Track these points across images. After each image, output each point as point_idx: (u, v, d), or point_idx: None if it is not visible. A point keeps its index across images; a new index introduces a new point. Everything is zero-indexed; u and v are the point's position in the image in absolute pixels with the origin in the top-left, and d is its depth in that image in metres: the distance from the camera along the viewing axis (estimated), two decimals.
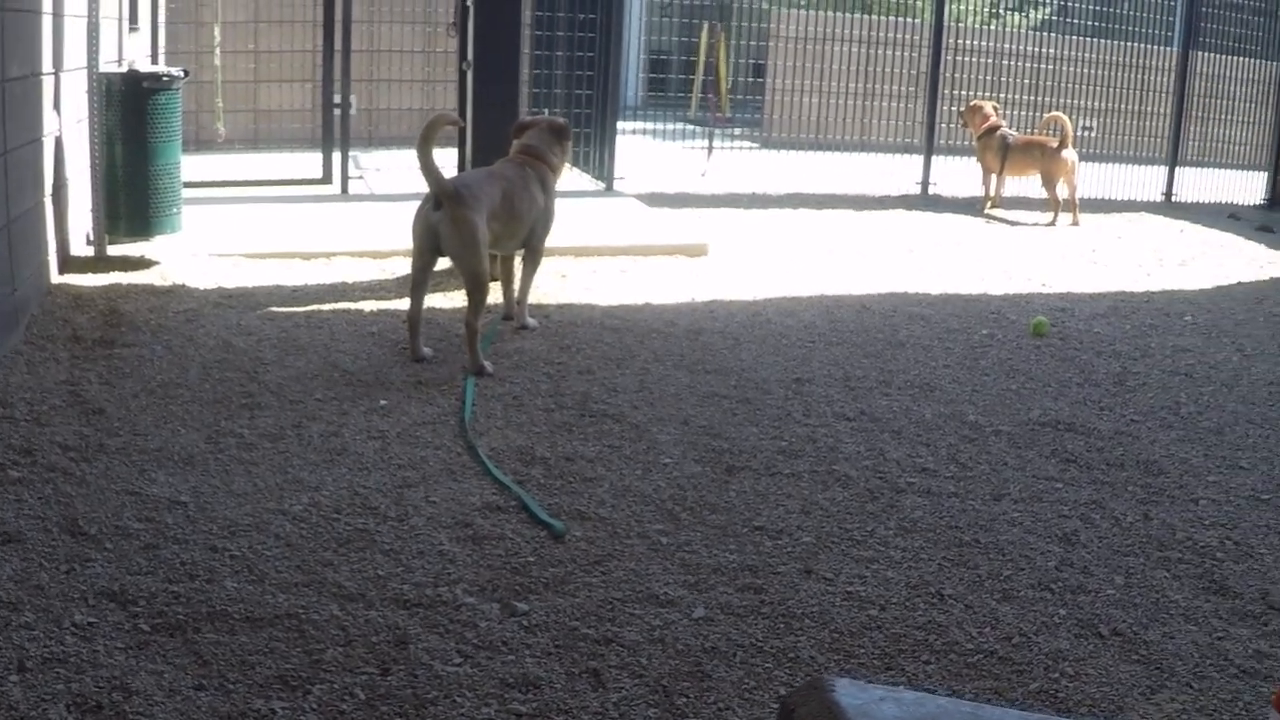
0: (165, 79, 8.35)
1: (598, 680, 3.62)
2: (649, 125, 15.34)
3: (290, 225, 9.35)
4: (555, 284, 8.29)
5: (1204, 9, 16.24)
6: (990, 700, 3.69)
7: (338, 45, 10.92)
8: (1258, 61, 17.17)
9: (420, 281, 6.57)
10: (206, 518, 4.47)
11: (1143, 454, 5.92)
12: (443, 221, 6.36)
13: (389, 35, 13.55)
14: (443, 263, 6.69)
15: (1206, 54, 16.58)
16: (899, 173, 14.00)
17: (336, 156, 11.06)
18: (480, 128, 8.49)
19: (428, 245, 6.48)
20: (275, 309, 7.29)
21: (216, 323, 6.91)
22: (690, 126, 16.34)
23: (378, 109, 13.71)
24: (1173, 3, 16.27)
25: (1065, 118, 12.99)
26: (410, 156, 6.75)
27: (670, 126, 15.33)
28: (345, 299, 7.60)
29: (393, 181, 11.25)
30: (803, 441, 5.67)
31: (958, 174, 14.08)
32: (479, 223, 6.43)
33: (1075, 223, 12.85)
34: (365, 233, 9.19)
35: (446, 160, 8.41)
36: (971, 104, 13.79)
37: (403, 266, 7.37)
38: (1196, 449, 6.08)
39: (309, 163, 11.36)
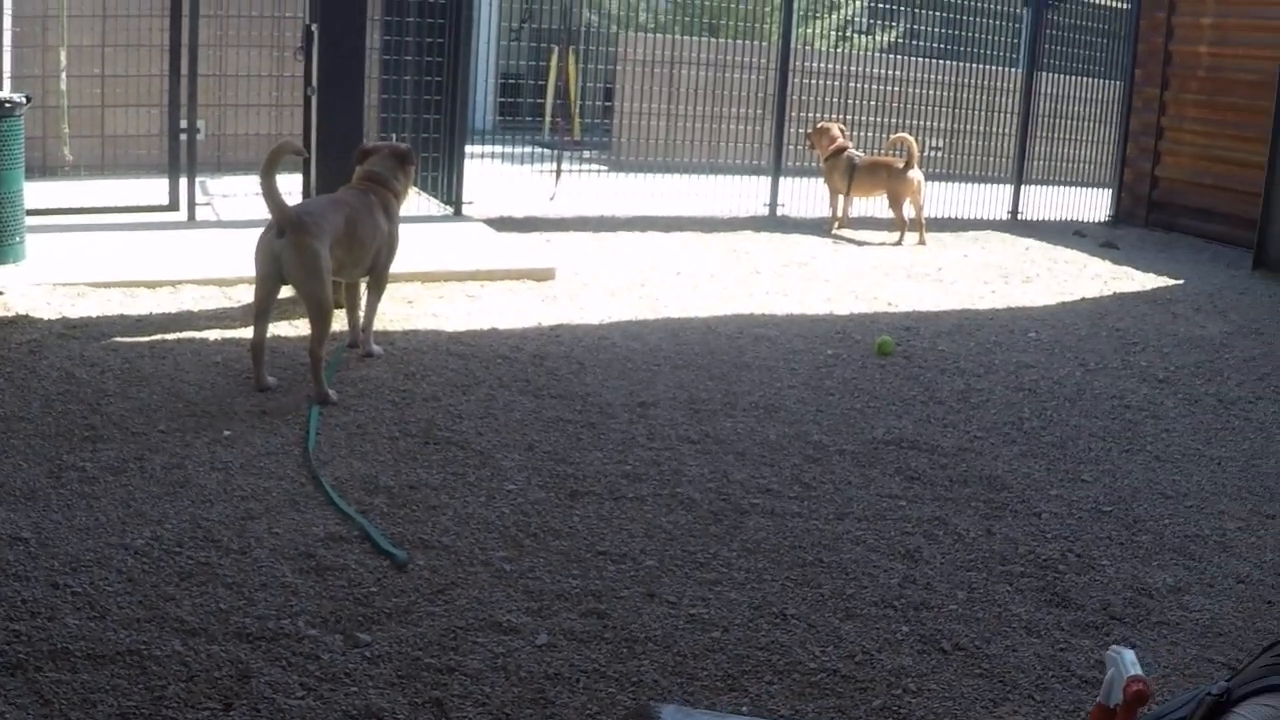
0: (7, 105, 8.23)
1: (441, 710, 3.62)
2: (500, 149, 15.30)
3: (136, 253, 9.21)
4: (402, 310, 8.26)
5: (1048, 31, 16.52)
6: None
7: (184, 70, 10.79)
8: (1101, 81, 17.48)
9: (264, 310, 6.51)
10: (48, 554, 4.41)
11: (986, 470, 6.02)
12: (286, 249, 6.32)
13: (237, 60, 13.41)
14: (287, 290, 6.64)
15: (1051, 75, 16.85)
16: (747, 194, 14.07)
17: (184, 183, 10.93)
18: (325, 154, 8.45)
19: (271, 273, 6.43)
20: (119, 339, 7.18)
21: (59, 354, 6.80)
22: (541, 150, 16.32)
23: (226, 134, 13.57)
24: (1018, 25, 16.51)
25: (911, 139, 13.14)
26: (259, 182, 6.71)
27: (521, 150, 15.31)
28: (190, 328, 7.52)
29: (241, 208, 11.13)
30: (647, 465, 5.70)
31: (806, 195, 14.18)
32: (322, 250, 6.40)
33: (922, 242, 13.01)
34: (211, 260, 9.08)
35: (293, 186, 8.38)
36: (818, 126, 13.90)
37: (249, 294, 7.31)
38: (1039, 463, 6.20)
39: (156, 189, 11.22)
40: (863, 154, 13.65)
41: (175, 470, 5.29)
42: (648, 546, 4.82)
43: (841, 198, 13.47)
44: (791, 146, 14.77)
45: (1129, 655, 2.23)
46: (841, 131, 13.64)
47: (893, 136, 13.90)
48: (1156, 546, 5.26)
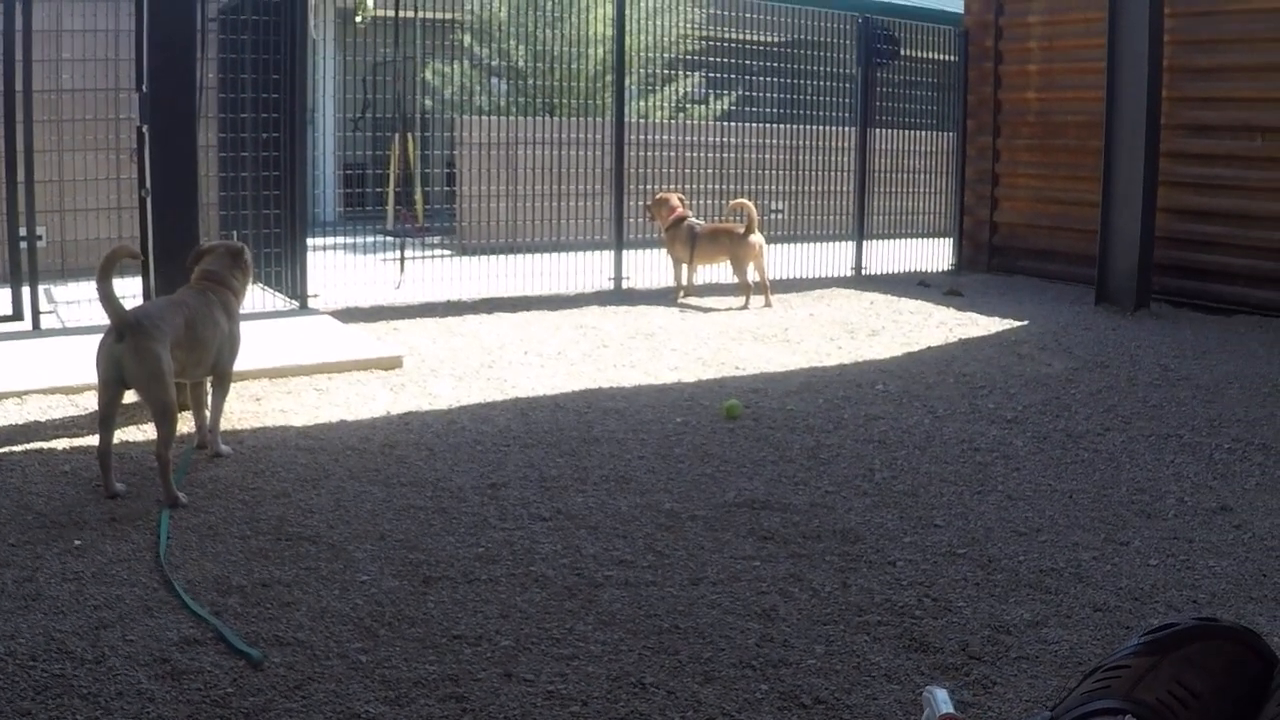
0: None
1: None
2: (345, 239, 15.24)
3: None
4: (249, 407, 8.17)
5: (879, 88, 16.76)
6: None
7: (21, 177, 10.65)
8: (935, 133, 17.77)
9: (108, 415, 6.39)
10: None
11: (839, 523, 6.03)
12: (126, 353, 6.23)
13: (74, 164, 13.25)
14: (132, 395, 6.54)
15: (885, 130, 17.10)
16: (592, 269, 14.12)
17: (27, 291, 10.77)
18: (163, 255, 8.34)
19: (113, 378, 6.33)
20: None
21: None
22: (386, 238, 16.28)
23: (68, 240, 13.39)
24: (850, 85, 16.73)
25: (749, 203, 13.27)
26: None
27: (366, 239, 15.27)
28: (38, 438, 7.37)
29: (87, 314, 10.95)
30: (499, 546, 5.64)
31: (650, 266, 14.26)
32: (162, 353, 6.32)
33: (768, 304, 13.11)
34: (57, 369, 8.93)
35: (134, 289, 8.28)
36: (657, 197, 14.01)
37: (96, 401, 7.20)
38: (891, 513, 6.22)
39: None
40: (703, 222, 13.78)
41: (26, 584, 5.16)
42: (503, 627, 4.76)
43: (685, 266, 13.58)
44: (632, 219, 14.88)
45: (941, 694, 2.23)
46: (681, 201, 13.77)
47: (732, 202, 14.05)
48: (1012, 583, 5.29)
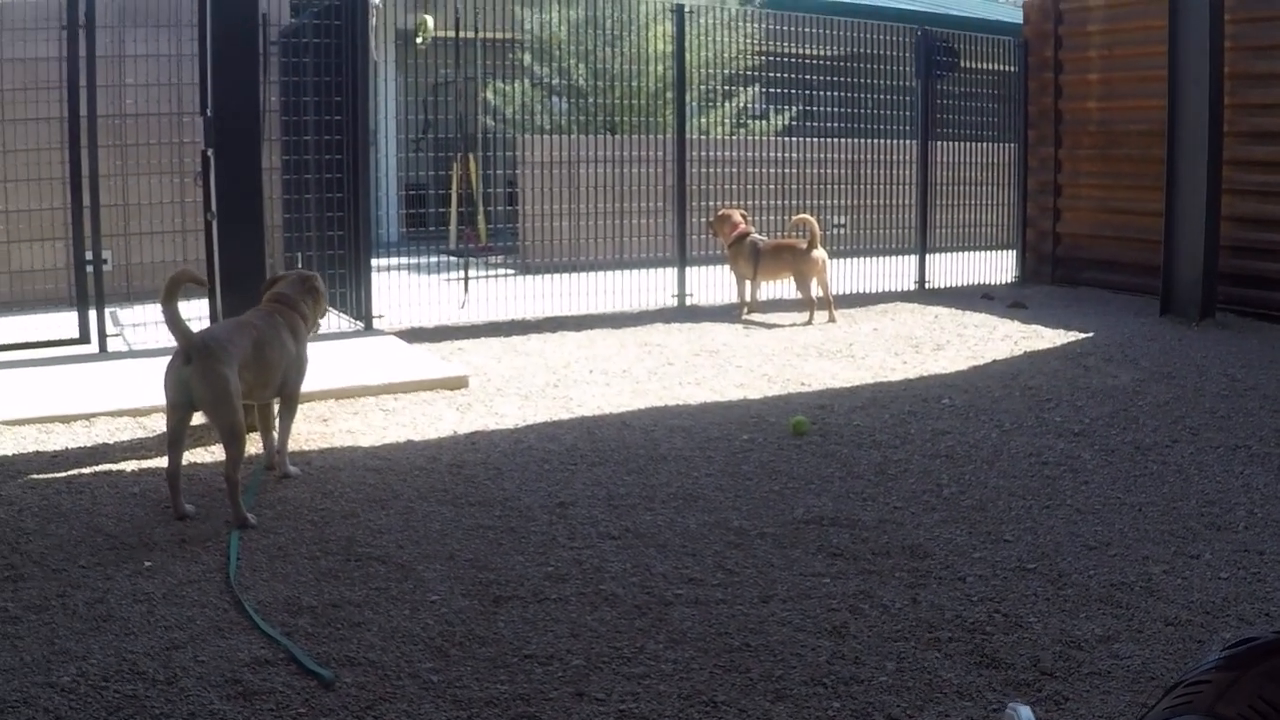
0: None
1: None
2: (409, 260, 15.31)
3: (49, 388, 9.14)
4: (317, 428, 8.22)
5: (940, 100, 16.74)
6: None
7: (87, 201, 10.75)
8: (996, 145, 17.72)
9: (177, 438, 6.44)
10: None
11: (907, 539, 6.01)
12: (194, 376, 6.27)
13: (139, 188, 13.38)
14: (200, 417, 6.59)
15: (946, 143, 17.08)
16: (655, 287, 14.15)
17: (93, 314, 10.87)
18: (228, 278, 8.42)
19: (181, 400, 6.37)
20: (36, 476, 7.09)
21: None
22: (449, 258, 16.35)
23: (133, 263, 13.50)
24: (909, 98, 16.70)
25: (811, 219, 13.27)
26: None
27: (430, 260, 15.34)
28: (106, 460, 7.44)
29: (153, 336, 11.04)
30: (569, 564, 5.66)
31: (713, 283, 14.28)
32: (230, 375, 6.36)
33: (832, 319, 13.10)
34: (125, 391, 9.02)
35: (199, 311, 8.35)
36: (720, 213, 14.02)
37: (163, 423, 7.25)
38: (960, 528, 6.20)
39: (66, 322, 11.16)
40: (765, 238, 13.78)
41: (98, 605, 5.21)
42: (574, 646, 4.78)
43: (748, 283, 13.59)
44: (695, 236, 14.91)
45: (1025, 711, 2.23)
46: (743, 217, 13.78)
47: (794, 218, 14.04)
48: (1083, 598, 5.26)
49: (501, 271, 15.54)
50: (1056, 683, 4.42)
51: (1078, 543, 5.99)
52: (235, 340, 6.61)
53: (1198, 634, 4.88)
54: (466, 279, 13.60)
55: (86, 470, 7.25)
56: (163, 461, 6.81)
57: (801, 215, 13.73)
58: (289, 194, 13.47)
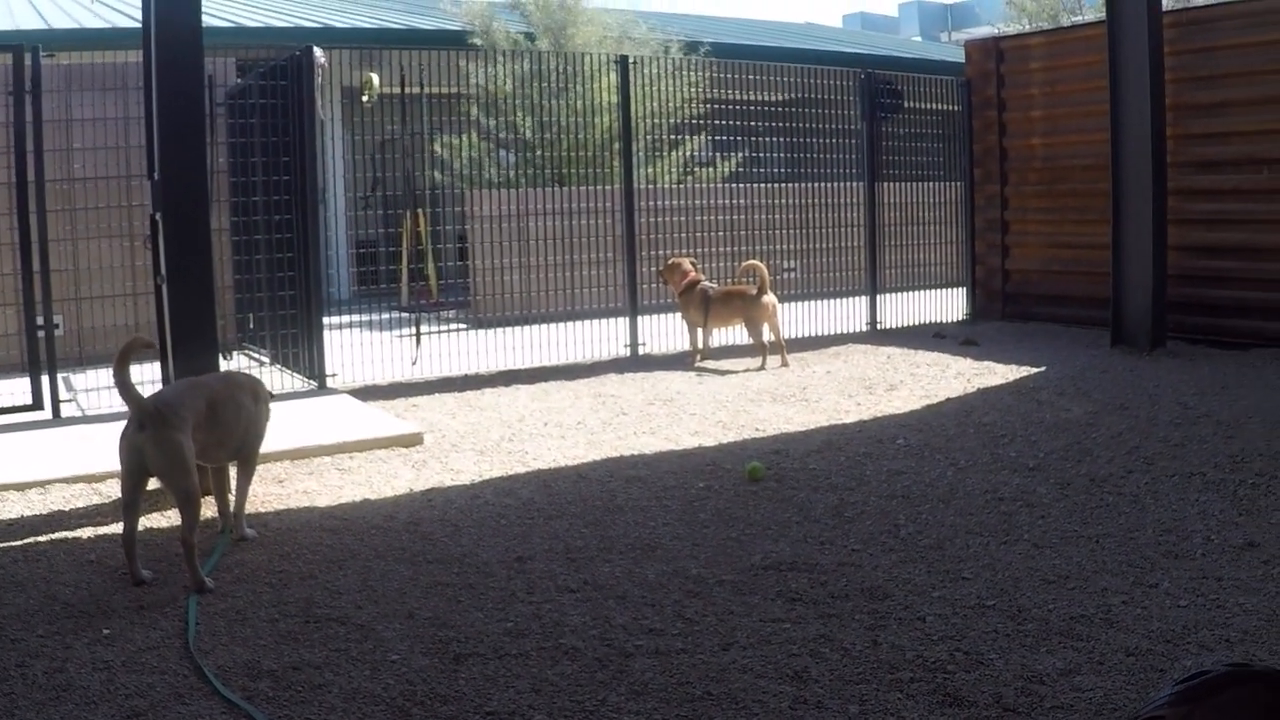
0: None
1: None
2: (361, 317, 15.28)
3: (2, 455, 9.09)
4: (273, 490, 8.18)
5: (885, 142, 16.82)
6: None
7: (37, 266, 10.71)
8: (942, 184, 17.82)
9: (132, 503, 6.39)
10: None
11: (866, 581, 6.02)
12: (147, 442, 6.23)
13: (89, 252, 13.33)
14: (155, 482, 6.56)
15: (893, 184, 17.17)
16: (607, 337, 14.17)
17: (46, 380, 10.82)
18: (179, 341, 8.39)
19: (135, 466, 6.33)
20: None
21: None
22: (401, 314, 16.33)
23: (85, 328, 13.45)
24: (855, 140, 16.77)
25: (760, 264, 13.33)
26: None
27: (382, 317, 15.32)
28: (62, 528, 7.39)
29: (106, 401, 10.99)
30: (528, 619, 5.64)
31: (665, 331, 14.32)
32: (184, 441, 6.32)
33: (784, 364, 13.14)
34: (79, 457, 8.96)
35: (151, 375, 8.29)
36: (669, 261, 14.08)
37: (119, 489, 7.21)
38: (919, 568, 6.21)
39: (18, 388, 11.10)
40: (716, 285, 13.82)
41: (57, 674, 5.16)
42: (536, 701, 4.76)
43: (700, 330, 13.62)
44: (646, 285, 14.93)
45: None
46: (693, 265, 13.85)
47: (743, 264, 14.07)
48: (1043, 632, 5.27)
49: (454, 326, 15.54)
50: (1019, 718, 4.43)
51: (1036, 577, 6.01)
52: (187, 403, 6.57)
53: (1159, 663, 4.90)
54: (419, 335, 13.59)
55: (43, 538, 7.20)
56: (119, 527, 6.76)
57: (750, 261, 13.77)
58: (239, 254, 13.46)
